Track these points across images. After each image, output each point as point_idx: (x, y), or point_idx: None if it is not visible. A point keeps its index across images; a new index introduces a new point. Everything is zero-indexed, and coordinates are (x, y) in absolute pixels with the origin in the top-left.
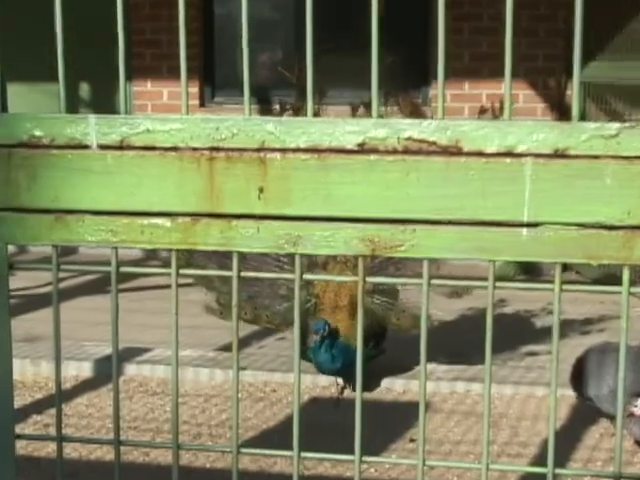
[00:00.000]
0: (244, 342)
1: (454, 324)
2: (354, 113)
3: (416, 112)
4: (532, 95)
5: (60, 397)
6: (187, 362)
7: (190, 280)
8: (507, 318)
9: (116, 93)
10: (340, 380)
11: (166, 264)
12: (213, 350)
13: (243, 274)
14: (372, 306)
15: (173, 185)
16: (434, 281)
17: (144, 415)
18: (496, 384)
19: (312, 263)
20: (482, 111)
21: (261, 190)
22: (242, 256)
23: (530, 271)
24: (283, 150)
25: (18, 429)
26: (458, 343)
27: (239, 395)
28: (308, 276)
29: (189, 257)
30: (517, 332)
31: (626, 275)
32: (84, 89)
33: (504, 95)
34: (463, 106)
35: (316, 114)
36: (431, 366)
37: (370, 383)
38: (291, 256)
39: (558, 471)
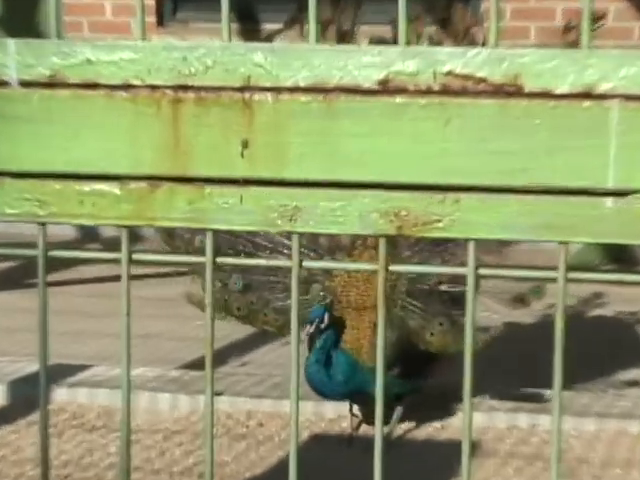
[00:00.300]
0: (223, 354)
1: (517, 334)
2: (396, 33)
3: (469, 32)
4: (627, 9)
5: None
6: (140, 384)
7: (147, 270)
8: (603, 322)
9: (38, 6)
10: (357, 409)
11: (111, 247)
12: (177, 368)
13: (220, 260)
14: (401, 313)
15: (124, 137)
16: (484, 270)
17: (79, 459)
18: (573, 417)
19: (335, 246)
20: (567, 29)
21: (245, 145)
22: (233, 233)
23: (621, 258)
24: (276, 89)
25: None
26: (522, 360)
27: (214, 431)
28: (309, 263)
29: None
30: (613, 343)
31: None
32: None
33: (584, 10)
34: (528, 26)
35: (345, 37)
36: (483, 392)
37: (394, 414)
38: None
39: None
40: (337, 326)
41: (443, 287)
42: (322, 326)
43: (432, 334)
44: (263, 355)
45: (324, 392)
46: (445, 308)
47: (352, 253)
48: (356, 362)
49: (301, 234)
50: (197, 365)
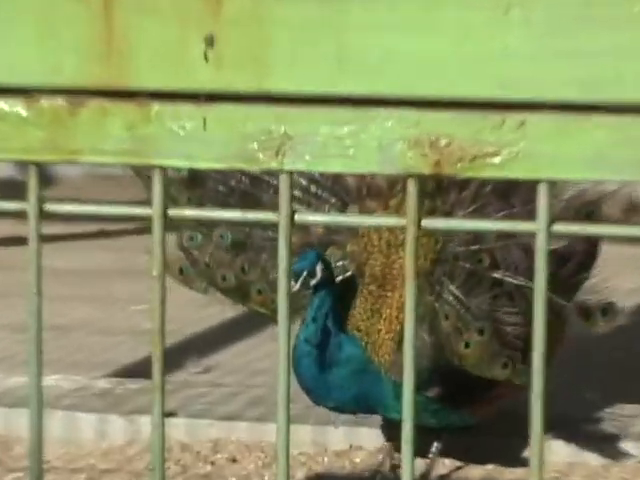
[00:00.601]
0: (178, 354)
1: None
2: None
3: None
4: None
5: None
6: (52, 401)
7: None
8: None
9: None
10: (384, 438)
11: (8, 194)
12: (106, 376)
13: (174, 213)
14: (436, 304)
15: (31, 31)
16: (561, 227)
17: None
18: None
19: (367, 190)
20: None
21: (210, 42)
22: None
23: None
24: None
25: None
26: (624, 368)
27: (165, 468)
28: (303, 217)
29: None
30: None
31: None
32: None
33: None
34: None
35: None
36: (567, 414)
37: (431, 449)
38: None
39: None
40: (338, 287)
41: (497, 274)
42: (312, 282)
43: (467, 344)
44: (236, 356)
45: (316, 392)
46: (493, 308)
47: (388, 203)
48: (368, 360)
49: (292, 174)
50: (136, 371)
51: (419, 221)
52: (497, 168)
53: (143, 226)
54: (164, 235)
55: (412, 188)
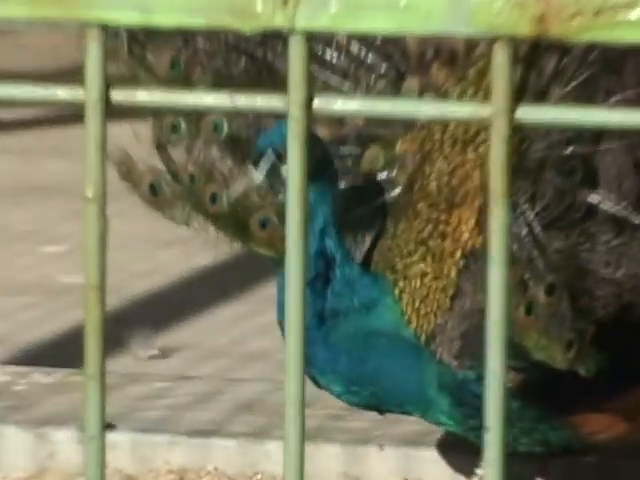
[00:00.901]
0: (119, 328)
1: None
2: None
3: None
4: None
5: None
6: None
7: None
8: None
9: None
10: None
11: None
12: (5, 362)
13: (120, 97)
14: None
15: None
16: None
17: None
18: None
19: (433, 55)
20: None
21: None
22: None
23: None
24: None
25: None
26: None
27: None
28: (326, 103)
29: None
30: None
31: None
32: None
33: None
34: None
35: None
36: None
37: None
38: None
39: None
40: (355, 192)
41: (594, 197)
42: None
43: (530, 305)
44: (214, 331)
45: (310, 360)
46: (575, 253)
47: (465, 73)
48: (400, 318)
49: (312, 34)
50: (50, 355)
51: (512, 110)
52: (633, 27)
53: (72, 113)
54: (104, 131)
55: (502, 57)
